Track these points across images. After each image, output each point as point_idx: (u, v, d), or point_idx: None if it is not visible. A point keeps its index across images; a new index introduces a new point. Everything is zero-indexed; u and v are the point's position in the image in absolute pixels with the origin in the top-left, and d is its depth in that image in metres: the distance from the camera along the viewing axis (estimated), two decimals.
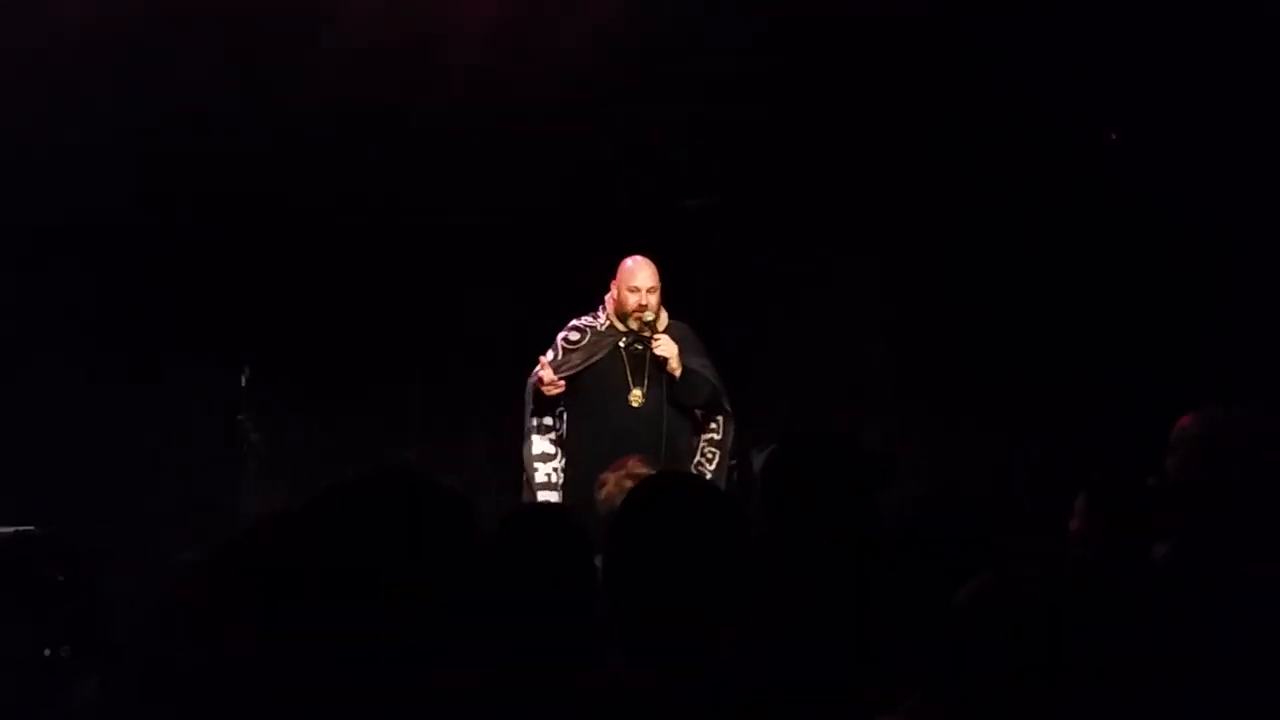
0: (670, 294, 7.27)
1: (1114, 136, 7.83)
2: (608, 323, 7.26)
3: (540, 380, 7.09)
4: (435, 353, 8.62)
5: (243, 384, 7.63)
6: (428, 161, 8.20)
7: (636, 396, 7.17)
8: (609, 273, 7.30)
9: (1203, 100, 7.47)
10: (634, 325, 7.14)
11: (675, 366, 7.11)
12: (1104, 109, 7.85)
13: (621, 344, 7.22)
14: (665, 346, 7.10)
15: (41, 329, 8.03)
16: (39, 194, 7.81)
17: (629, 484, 5.16)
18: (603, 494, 5.43)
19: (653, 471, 5.28)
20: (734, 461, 7.41)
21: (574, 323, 7.29)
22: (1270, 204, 7.41)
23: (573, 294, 7.49)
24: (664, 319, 7.23)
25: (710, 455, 7.31)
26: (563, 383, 7.10)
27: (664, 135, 8.19)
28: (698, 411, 7.27)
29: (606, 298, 7.29)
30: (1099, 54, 7.67)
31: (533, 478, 7.26)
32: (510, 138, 8.18)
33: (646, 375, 7.17)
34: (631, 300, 7.13)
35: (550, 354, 7.20)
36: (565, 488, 7.24)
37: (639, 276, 7.15)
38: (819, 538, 3.49)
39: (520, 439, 7.34)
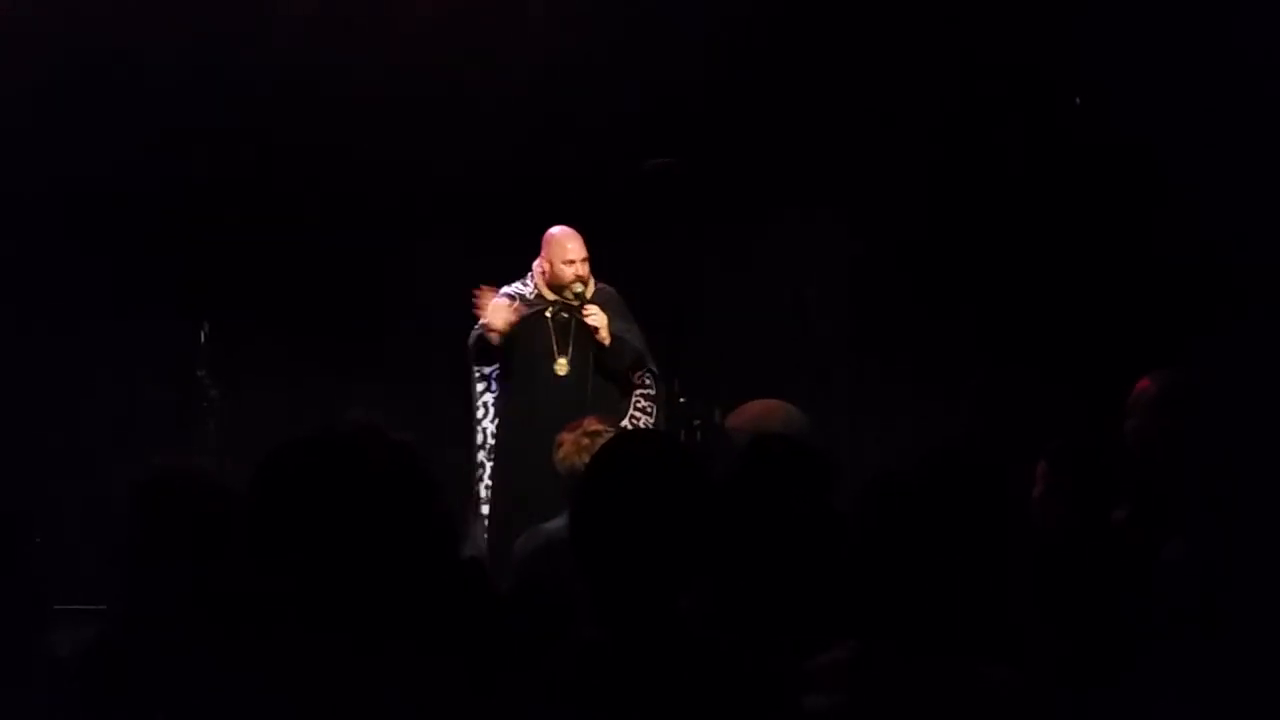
0: (624, 259, 7.33)
1: (1078, 101, 7.84)
2: (536, 292, 7.31)
3: (481, 306, 7.12)
4: (394, 310, 8.60)
5: (202, 340, 7.58)
6: (385, 123, 8.18)
7: (561, 365, 7.25)
8: None
9: (1158, 70, 7.50)
10: (568, 296, 7.17)
11: (605, 336, 7.20)
12: (1066, 74, 7.86)
13: (548, 313, 7.28)
14: (596, 316, 7.17)
15: None
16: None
17: (586, 443, 5.19)
18: (560, 454, 5.43)
19: (610, 430, 5.31)
20: (698, 422, 7.47)
21: (504, 289, 7.33)
22: (1220, 177, 7.46)
23: (527, 255, 7.47)
24: (591, 285, 7.26)
25: (645, 409, 7.40)
26: (512, 310, 7.12)
27: (620, 99, 8.18)
28: (624, 371, 7.34)
29: (535, 267, 7.32)
30: (1060, 17, 7.70)
31: (474, 432, 7.39)
32: (466, 101, 8.17)
33: (571, 344, 7.25)
34: (568, 272, 7.18)
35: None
36: (495, 452, 7.34)
37: (570, 248, 7.21)
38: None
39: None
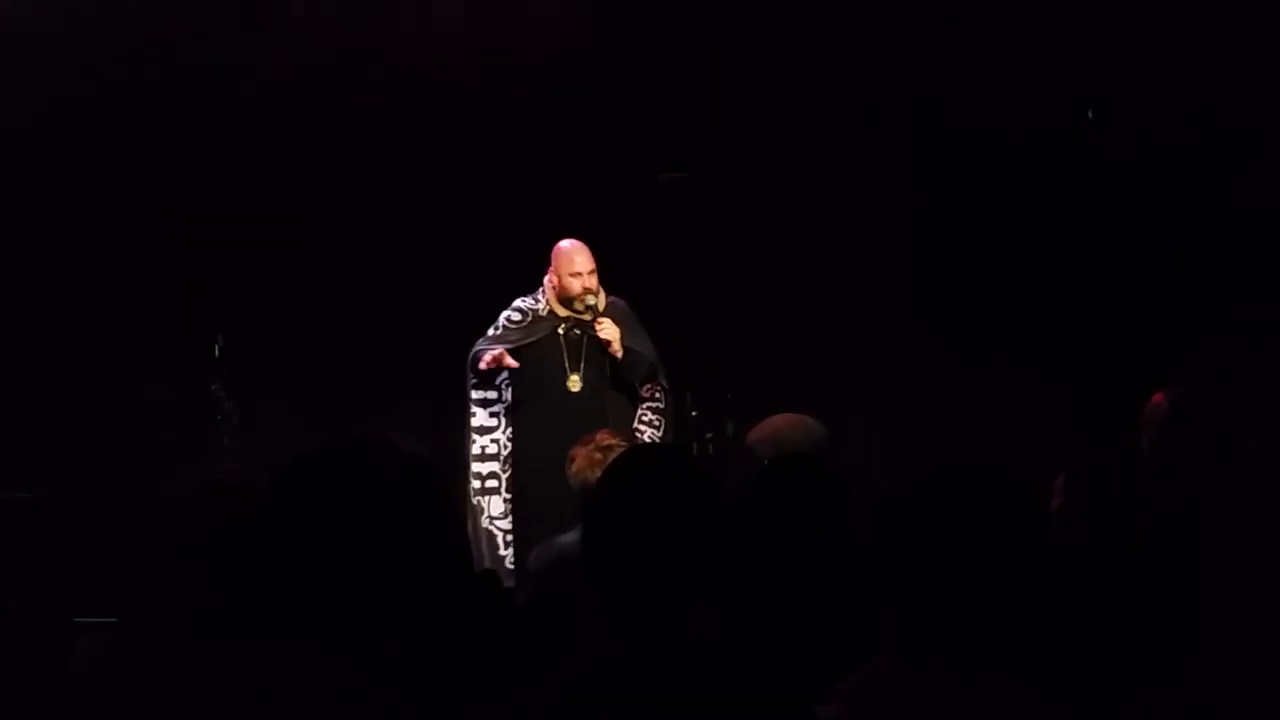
0: (635, 270, 7.34)
1: (1090, 114, 7.84)
2: (548, 308, 7.30)
3: (485, 357, 7.13)
4: (406, 320, 8.61)
5: (216, 354, 7.59)
6: (400, 136, 8.20)
7: (574, 381, 7.25)
8: None
9: (1164, 76, 7.51)
10: (578, 308, 7.16)
11: (618, 349, 7.18)
12: (1079, 84, 7.86)
13: (560, 330, 7.28)
14: (609, 330, 7.15)
15: (14, 299, 7.98)
16: (8, 169, 7.78)
17: (599, 457, 5.18)
18: (573, 468, 5.43)
19: (622, 444, 5.31)
20: (711, 435, 7.47)
21: (516, 303, 7.35)
22: (1228, 180, 7.47)
23: (539, 270, 7.47)
24: (602, 298, 7.27)
25: (652, 421, 7.38)
26: (506, 356, 7.14)
27: (630, 111, 8.19)
28: (636, 385, 7.33)
29: (545, 281, 7.30)
30: (1071, 27, 7.70)
31: (469, 448, 7.38)
32: (481, 113, 8.18)
33: (584, 359, 7.24)
34: (575, 285, 7.17)
35: (491, 330, 7.28)
36: (510, 472, 7.35)
37: (578, 261, 7.20)
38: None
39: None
